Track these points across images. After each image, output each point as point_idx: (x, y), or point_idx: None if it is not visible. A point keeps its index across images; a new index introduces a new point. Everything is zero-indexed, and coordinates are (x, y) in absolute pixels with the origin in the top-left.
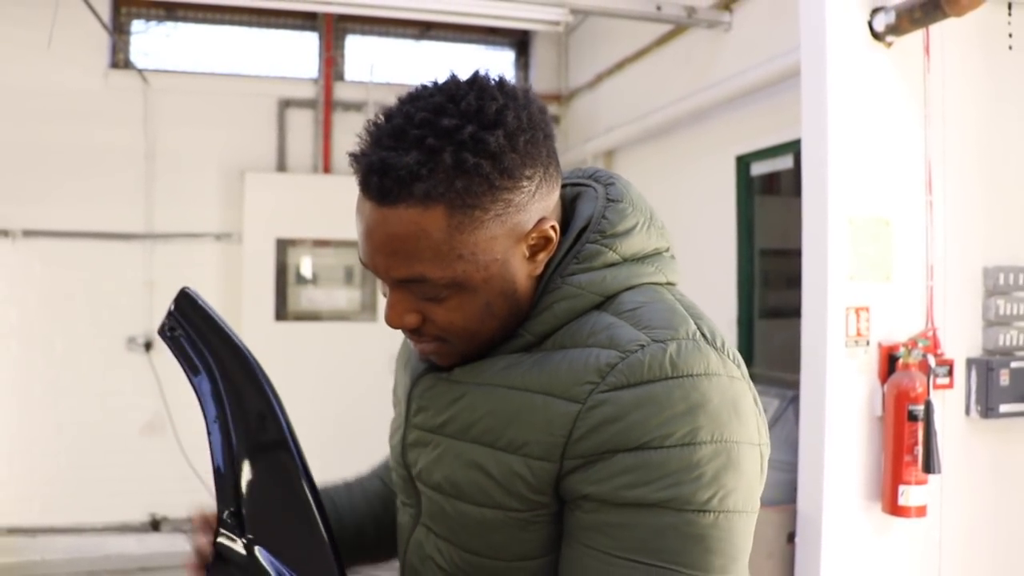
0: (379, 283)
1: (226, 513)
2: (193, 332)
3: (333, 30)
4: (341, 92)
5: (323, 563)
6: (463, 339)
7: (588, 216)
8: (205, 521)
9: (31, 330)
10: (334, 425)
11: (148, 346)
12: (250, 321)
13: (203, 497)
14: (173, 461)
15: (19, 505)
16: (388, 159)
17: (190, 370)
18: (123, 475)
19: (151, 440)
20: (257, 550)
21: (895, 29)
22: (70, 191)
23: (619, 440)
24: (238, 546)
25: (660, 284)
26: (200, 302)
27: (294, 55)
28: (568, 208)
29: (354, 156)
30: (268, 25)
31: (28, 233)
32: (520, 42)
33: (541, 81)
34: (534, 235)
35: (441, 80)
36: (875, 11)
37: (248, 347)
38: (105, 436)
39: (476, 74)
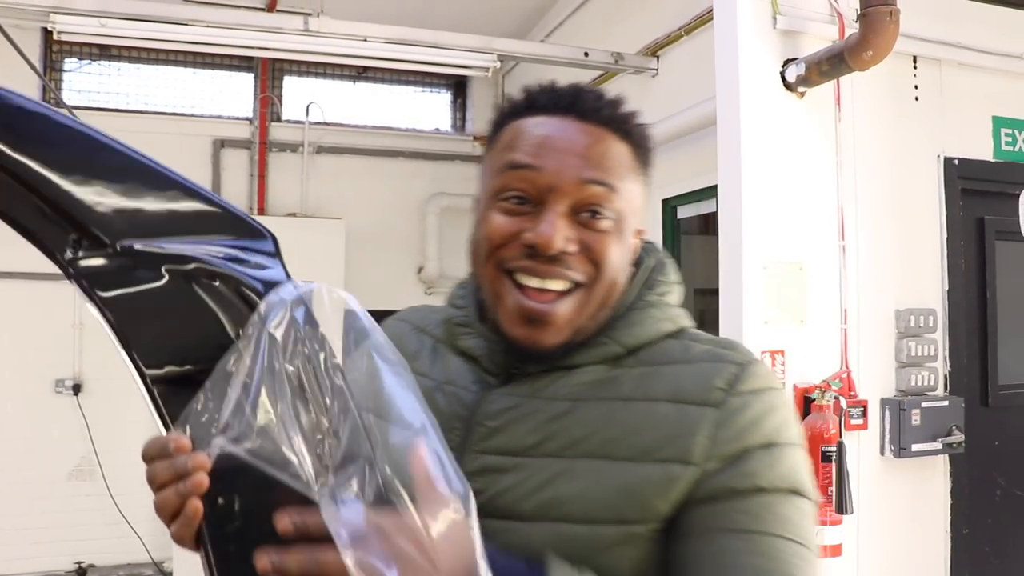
0: (501, 218)
1: (68, 248)
2: None
3: (269, 71)
4: (277, 132)
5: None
6: (604, 283)
7: (652, 259)
8: None
9: None
10: None
11: (77, 389)
12: None
13: (133, 545)
14: (101, 507)
15: None
16: (603, 94)
17: None
18: (49, 522)
19: (79, 485)
20: (134, 244)
21: (806, 80)
22: None
23: (753, 438)
24: (110, 259)
25: None
26: None
27: (229, 95)
28: None
29: (550, 84)
30: (203, 65)
31: None
32: (457, 84)
33: (478, 122)
34: (635, 235)
35: None
36: (787, 62)
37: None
38: (30, 481)
39: None
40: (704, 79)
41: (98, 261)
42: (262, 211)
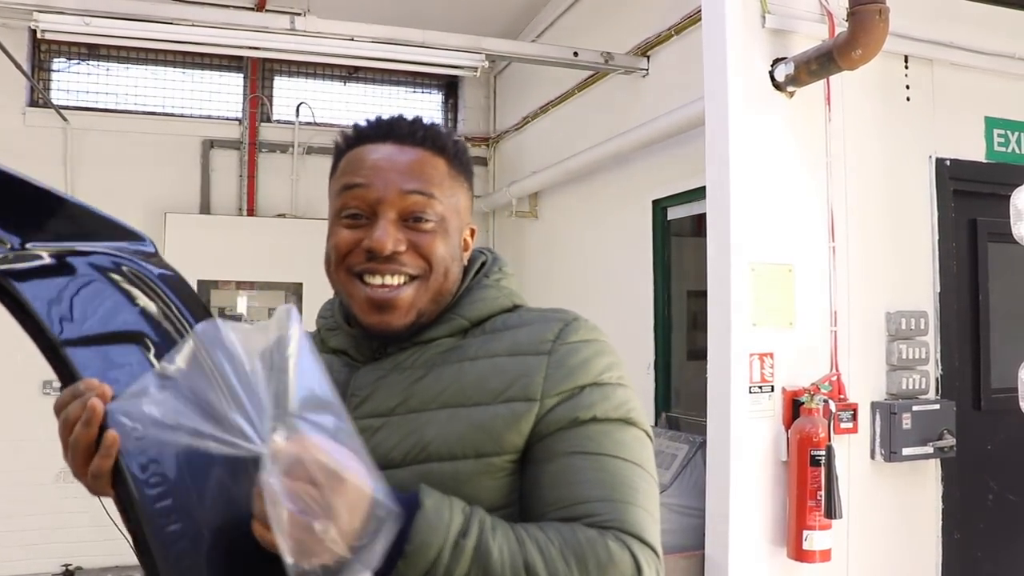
0: (344, 232)
1: None
2: None
3: (259, 72)
4: (267, 133)
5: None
6: (438, 275)
7: (485, 256)
8: None
9: None
10: None
11: None
12: None
13: (121, 547)
14: (89, 509)
15: None
16: (416, 119)
17: None
18: (36, 524)
19: (66, 488)
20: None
21: (795, 80)
22: None
23: (584, 377)
24: (22, 256)
25: None
26: None
27: (219, 95)
28: None
29: (375, 118)
30: (193, 65)
31: None
32: (448, 84)
33: (470, 123)
34: (467, 232)
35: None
36: (776, 62)
37: None
38: (17, 484)
39: None
40: (694, 79)
41: (9, 258)
42: (252, 212)
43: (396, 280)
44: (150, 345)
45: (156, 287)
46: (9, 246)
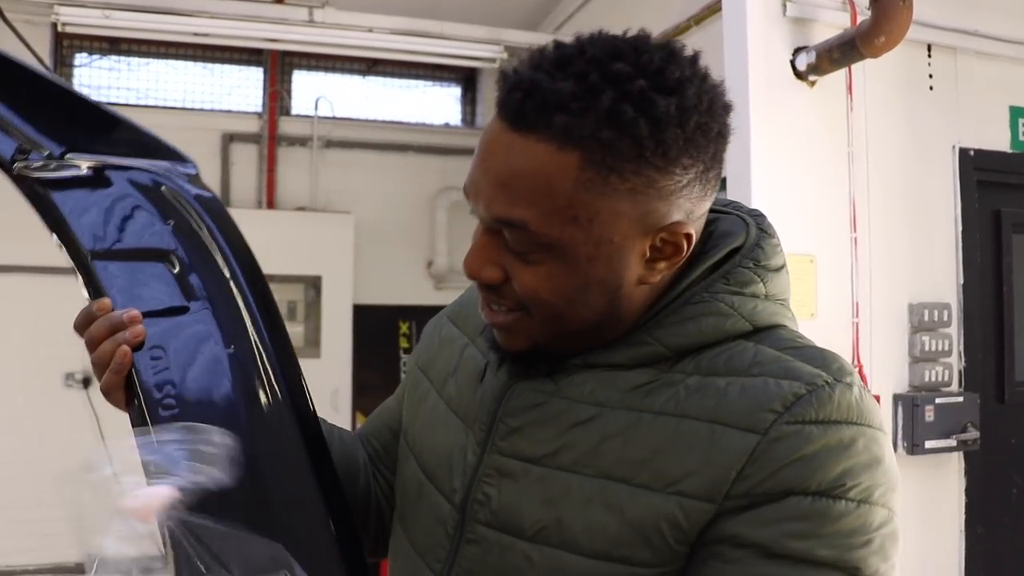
0: (476, 230)
1: (13, 153)
2: None
3: (279, 65)
4: (286, 127)
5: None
6: (545, 318)
7: (739, 240)
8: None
9: None
10: None
11: (87, 383)
12: None
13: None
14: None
15: None
16: (540, 81)
17: None
18: (58, 515)
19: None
20: (70, 157)
21: (816, 69)
22: (6, 225)
23: (798, 481)
24: (51, 167)
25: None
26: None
27: (239, 89)
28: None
29: (504, 72)
30: (213, 59)
31: None
32: (467, 78)
33: (488, 116)
34: (664, 235)
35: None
36: (797, 51)
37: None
38: (40, 476)
39: (671, 41)
40: (715, 70)
41: (49, 166)
42: (271, 205)
43: (497, 307)
44: (176, 263)
45: (190, 207)
46: (48, 153)
